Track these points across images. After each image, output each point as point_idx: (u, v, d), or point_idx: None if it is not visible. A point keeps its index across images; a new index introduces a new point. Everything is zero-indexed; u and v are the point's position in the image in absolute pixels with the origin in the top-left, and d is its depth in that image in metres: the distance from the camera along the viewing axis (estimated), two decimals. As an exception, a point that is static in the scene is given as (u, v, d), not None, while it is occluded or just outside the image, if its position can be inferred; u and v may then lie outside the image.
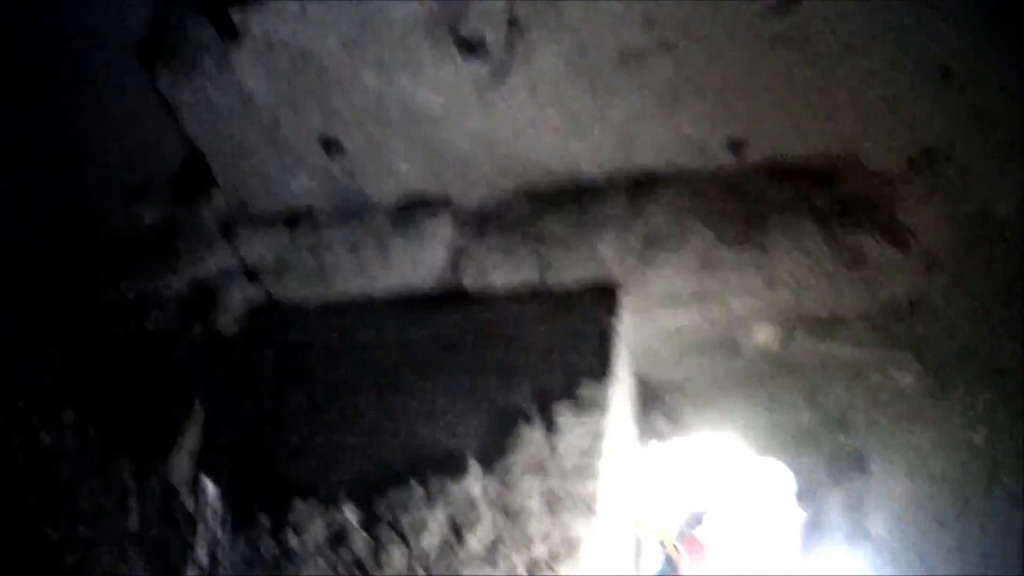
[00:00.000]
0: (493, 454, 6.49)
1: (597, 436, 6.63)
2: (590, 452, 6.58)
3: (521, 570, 6.24)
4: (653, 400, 11.54)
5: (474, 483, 6.48)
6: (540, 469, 6.52)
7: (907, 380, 8.63)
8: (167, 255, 7.19)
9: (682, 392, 11.51)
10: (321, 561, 6.33)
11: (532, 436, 6.62)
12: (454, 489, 6.39)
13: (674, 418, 12.87)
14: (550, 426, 6.63)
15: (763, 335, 8.74)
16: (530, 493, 6.46)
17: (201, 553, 6.55)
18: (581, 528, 6.34)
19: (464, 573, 6.26)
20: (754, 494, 17.04)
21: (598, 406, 6.71)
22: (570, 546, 6.28)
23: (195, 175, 7.00)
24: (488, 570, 6.27)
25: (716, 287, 7.10)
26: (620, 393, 7.48)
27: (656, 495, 12.16)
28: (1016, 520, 6.23)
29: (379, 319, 7.17)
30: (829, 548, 11.43)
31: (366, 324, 7.12)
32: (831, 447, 12.47)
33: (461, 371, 6.83)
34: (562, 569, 6.23)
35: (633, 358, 8.65)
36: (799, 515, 13.37)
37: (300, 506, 6.50)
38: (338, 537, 6.37)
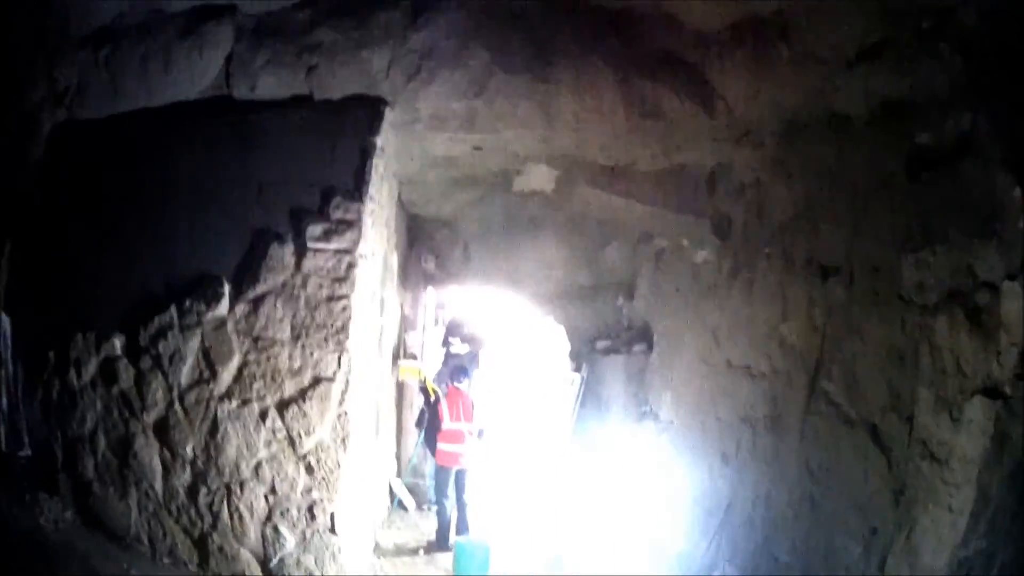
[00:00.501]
0: (245, 279, 6.14)
1: (351, 264, 6.16)
2: (343, 280, 6.14)
3: (271, 406, 6.00)
4: (424, 238, 10.67)
5: (226, 311, 6.13)
6: (291, 298, 6.14)
7: (702, 254, 8.07)
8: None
9: (453, 231, 10.61)
10: (97, 398, 6.15)
11: (283, 259, 6.16)
12: (208, 318, 6.06)
13: (445, 262, 11.96)
14: (302, 249, 6.16)
15: (539, 178, 7.82)
16: (281, 324, 6.10)
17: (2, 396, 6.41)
18: (331, 363, 6.04)
19: (216, 409, 6.05)
20: (527, 351, 15.82)
21: (352, 227, 6.18)
22: (319, 382, 6.03)
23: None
24: (235, 405, 6.04)
25: (490, 116, 6.47)
26: (379, 218, 6.98)
27: (423, 338, 11.81)
28: (836, 432, 5.38)
29: (154, 134, 6.47)
30: (607, 419, 11.08)
31: (140, 140, 6.44)
32: (613, 313, 11.33)
33: (224, 187, 6.31)
34: (313, 407, 5.96)
35: (400, 185, 8.34)
36: (574, 379, 12.94)
37: (80, 342, 6.15)
38: (110, 371, 6.10)
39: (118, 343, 6.13)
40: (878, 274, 5.02)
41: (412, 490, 10.34)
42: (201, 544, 5.91)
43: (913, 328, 4.60)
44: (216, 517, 5.89)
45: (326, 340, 5.98)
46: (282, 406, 5.93)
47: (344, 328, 5.98)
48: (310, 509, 5.87)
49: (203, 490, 5.91)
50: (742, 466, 6.45)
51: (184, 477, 5.94)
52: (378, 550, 8.02)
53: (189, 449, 5.93)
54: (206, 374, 5.99)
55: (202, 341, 6.02)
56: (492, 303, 15.39)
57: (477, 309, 12.11)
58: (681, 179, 7.73)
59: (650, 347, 9.96)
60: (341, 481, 5.90)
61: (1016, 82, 4.05)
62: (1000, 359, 3.93)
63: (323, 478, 5.90)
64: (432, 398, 8.97)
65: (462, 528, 8.54)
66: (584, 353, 13.38)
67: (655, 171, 7.65)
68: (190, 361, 6.00)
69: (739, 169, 7.00)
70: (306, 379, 5.96)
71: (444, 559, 8.01)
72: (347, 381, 5.95)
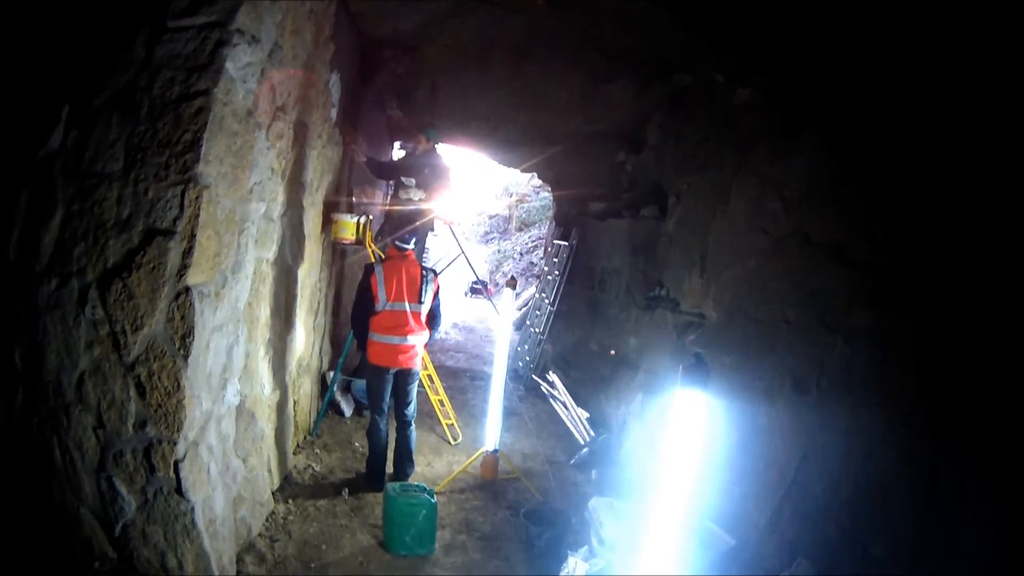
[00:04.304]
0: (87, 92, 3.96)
1: (219, 43, 3.90)
2: (204, 69, 3.88)
3: (92, 284, 3.79)
4: (382, 71, 8.13)
5: (58, 144, 3.90)
6: (131, 107, 3.86)
7: (743, 94, 5.88)
8: None
9: (418, 62, 8.40)
10: None
11: (133, 51, 3.90)
12: (40, 155, 3.98)
13: (408, 103, 9.39)
14: (157, 32, 3.91)
15: None
16: (113, 150, 3.83)
17: None
18: (170, 205, 3.77)
19: (36, 295, 3.86)
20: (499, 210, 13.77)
21: None
22: (151, 237, 3.78)
23: None
24: (54, 286, 3.83)
25: None
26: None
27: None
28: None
29: None
30: (601, 302, 8.99)
31: None
32: (611, 169, 9.65)
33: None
34: (141, 282, 3.73)
35: None
36: (560, 248, 10.98)
37: None
38: None
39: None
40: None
41: (349, 388, 8.06)
42: (44, 496, 3.96)
43: None
44: (49, 457, 3.91)
45: (167, 167, 3.77)
46: (104, 282, 3.76)
47: (195, 144, 3.77)
48: (147, 454, 3.79)
49: (35, 418, 3.92)
50: (824, 400, 4.12)
51: (18, 398, 3.94)
52: (288, 488, 5.72)
53: (17, 356, 3.92)
54: (30, 243, 3.90)
55: (31, 194, 3.93)
56: (464, 151, 13.07)
57: (445, 151, 9.57)
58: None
59: (662, 211, 7.57)
60: (185, 411, 3.76)
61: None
62: None
63: (159, 404, 3.74)
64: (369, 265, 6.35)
65: (402, 461, 6.12)
66: (573, 216, 11.05)
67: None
68: (18, 227, 3.93)
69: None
70: (136, 235, 3.76)
71: (375, 504, 5.71)
72: (192, 235, 3.75)
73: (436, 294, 6.09)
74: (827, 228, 4.41)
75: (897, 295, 3.75)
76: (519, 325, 12.88)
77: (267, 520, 5.13)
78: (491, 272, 23.37)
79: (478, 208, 32.13)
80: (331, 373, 7.59)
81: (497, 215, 31.15)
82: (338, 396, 7.64)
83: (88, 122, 3.84)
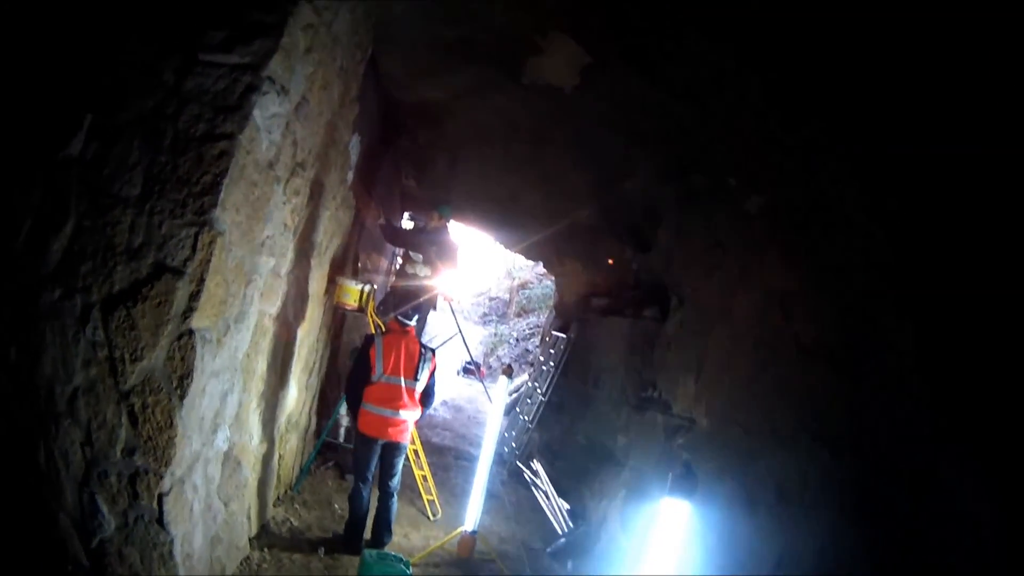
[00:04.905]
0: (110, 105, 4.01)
1: (250, 88, 3.96)
2: (233, 112, 3.92)
3: (96, 304, 3.78)
4: (403, 134, 8.35)
5: (78, 151, 3.92)
6: (155, 134, 3.89)
7: (756, 202, 5.82)
8: None
9: (439, 133, 8.52)
10: None
11: (162, 75, 3.97)
12: (59, 159, 4.01)
13: (427, 174, 9.62)
14: (189, 62, 3.98)
15: (561, 62, 6.02)
16: (133, 175, 3.85)
17: None
18: (183, 244, 3.78)
19: (39, 297, 3.83)
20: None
21: (267, 34, 4.02)
22: (160, 273, 3.78)
23: None
24: (57, 295, 3.81)
25: None
26: (322, 45, 4.81)
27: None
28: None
29: None
30: (595, 399, 8.84)
31: None
32: (618, 266, 9.30)
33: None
34: (146, 315, 3.73)
35: (377, 44, 6.29)
36: (558, 341, 10.88)
37: None
38: None
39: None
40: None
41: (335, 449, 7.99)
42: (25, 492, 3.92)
43: None
44: (34, 457, 3.88)
45: (183, 205, 3.78)
46: (108, 306, 3.75)
47: (214, 188, 3.79)
48: (132, 480, 3.77)
49: (22, 414, 3.90)
50: (809, 510, 4.11)
51: (11, 387, 3.89)
52: (265, 537, 5.64)
53: (12, 351, 3.87)
54: (38, 244, 3.89)
55: (44, 194, 3.93)
56: (473, 230, 13.22)
57: (454, 230, 9.68)
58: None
59: (663, 313, 7.62)
60: (175, 448, 3.76)
61: None
62: None
63: (149, 437, 3.73)
64: (369, 334, 6.38)
65: (381, 529, 6.05)
66: (574, 308, 11.11)
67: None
68: (28, 223, 3.91)
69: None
70: (145, 266, 3.76)
71: (350, 565, 5.61)
72: (201, 279, 3.75)
73: (432, 373, 6.14)
74: (822, 336, 4.46)
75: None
76: (508, 410, 12.81)
77: (241, 564, 5.08)
78: (485, 354, 23.31)
79: (479, 289, 32.27)
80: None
81: (497, 298, 31.24)
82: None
83: (111, 138, 3.87)
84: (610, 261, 10.23)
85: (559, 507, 7.98)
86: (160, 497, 3.72)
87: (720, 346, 5.77)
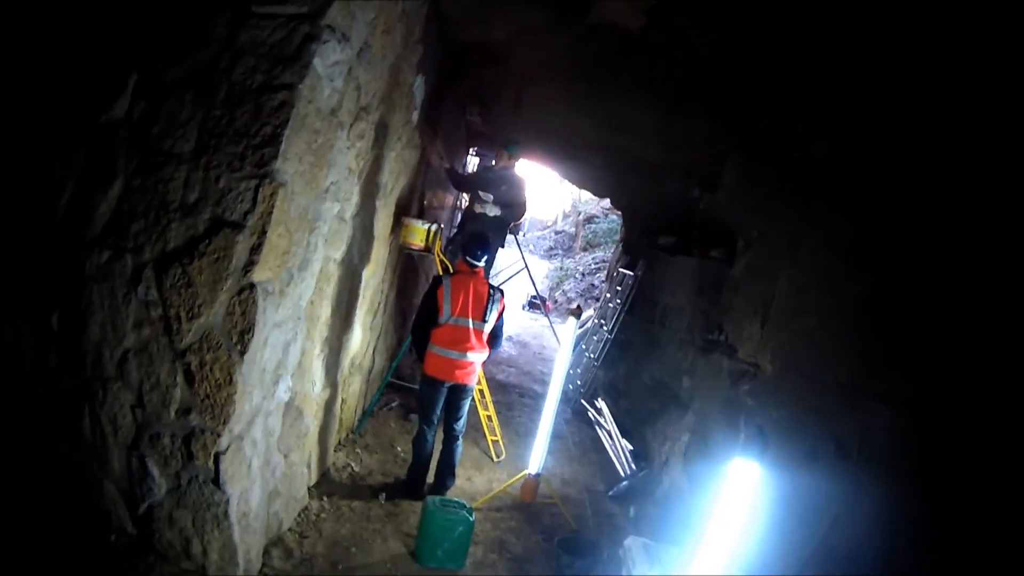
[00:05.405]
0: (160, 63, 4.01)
1: (309, 38, 3.85)
2: (291, 62, 3.84)
3: (149, 263, 3.80)
4: (467, 75, 8.11)
5: (123, 113, 3.94)
6: (209, 88, 3.85)
7: (821, 148, 5.53)
8: None
9: (504, 70, 8.20)
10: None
11: (213, 29, 3.91)
12: (102, 121, 4.00)
13: (492, 111, 9.30)
14: (242, 15, 3.90)
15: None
16: (186, 130, 3.83)
17: None
18: (243, 198, 3.74)
19: (85, 262, 3.89)
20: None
21: None
22: (219, 227, 3.75)
23: None
24: (105, 258, 3.86)
25: None
26: None
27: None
28: None
29: None
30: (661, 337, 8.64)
31: None
32: (684, 204, 9.06)
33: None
34: (204, 271, 3.73)
35: None
36: (625, 277, 10.68)
37: None
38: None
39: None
40: None
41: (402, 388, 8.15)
42: (61, 459, 4.01)
43: None
44: (78, 424, 3.94)
45: (242, 158, 3.73)
46: (162, 264, 3.74)
47: (275, 139, 3.72)
48: (187, 441, 3.76)
49: (66, 383, 3.96)
50: (863, 467, 4.03)
51: (51, 359, 3.95)
52: (325, 484, 5.76)
53: (55, 319, 3.92)
54: (82, 208, 3.89)
55: (87, 157, 3.93)
56: (540, 166, 13.08)
57: (524, 168, 9.61)
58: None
59: (730, 255, 7.46)
60: (235, 405, 3.72)
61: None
62: None
63: (206, 395, 3.72)
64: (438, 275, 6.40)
65: (444, 473, 6.14)
66: (642, 247, 10.98)
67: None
68: (71, 186, 3.93)
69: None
70: (201, 222, 3.74)
71: (411, 512, 5.69)
72: (263, 231, 3.70)
73: (501, 314, 6.10)
74: (888, 295, 4.31)
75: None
76: (574, 347, 12.82)
77: (299, 515, 5.14)
78: (551, 288, 23.35)
79: (545, 222, 32.15)
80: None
81: (563, 231, 31.17)
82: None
83: (160, 96, 3.84)
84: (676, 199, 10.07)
85: (622, 448, 8.01)
86: (217, 456, 3.73)
87: (786, 292, 5.64)
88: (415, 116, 6.80)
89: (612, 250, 19.09)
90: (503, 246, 8.81)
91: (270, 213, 3.70)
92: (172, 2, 3.95)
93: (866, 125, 4.82)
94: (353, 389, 6.68)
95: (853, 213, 4.84)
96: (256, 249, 3.69)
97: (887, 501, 3.73)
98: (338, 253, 5.17)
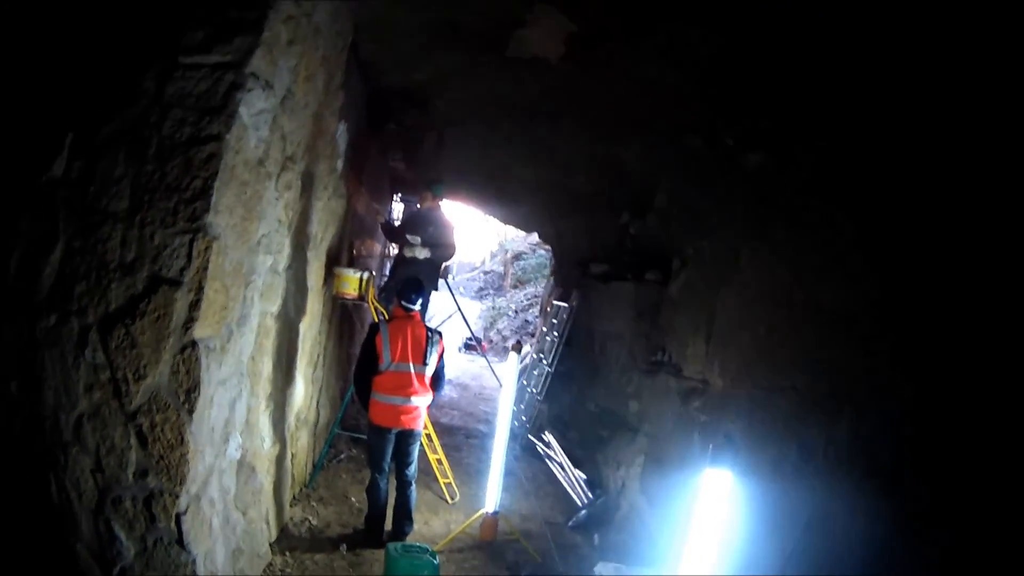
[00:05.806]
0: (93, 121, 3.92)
1: (234, 87, 3.82)
2: (217, 112, 3.79)
3: (93, 325, 3.69)
4: (388, 119, 8.18)
5: (61, 172, 3.84)
6: (140, 143, 3.76)
7: (754, 159, 5.71)
8: None
9: (425, 113, 8.38)
10: None
11: (142, 84, 3.83)
12: (42, 181, 3.94)
13: (415, 155, 9.51)
14: (169, 67, 3.85)
15: (545, 35, 5.88)
16: (120, 188, 3.74)
17: None
18: (177, 254, 3.67)
19: (35, 327, 3.75)
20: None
21: (248, 31, 3.88)
22: (157, 285, 3.68)
23: None
24: (53, 321, 3.73)
25: None
26: (303, 34, 4.62)
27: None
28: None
29: None
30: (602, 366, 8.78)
31: None
32: (615, 232, 9.19)
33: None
34: (145, 330, 3.65)
35: (357, 33, 6.13)
36: (559, 310, 10.86)
37: None
38: None
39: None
40: None
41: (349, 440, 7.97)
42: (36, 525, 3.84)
43: None
44: (45, 492, 3.79)
45: (175, 213, 3.68)
46: (106, 326, 3.65)
47: (205, 192, 3.68)
48: (147, 503, 3.68)
49: (32, 448, 3.82)
50: (831, 469, 4.06)
51: (16, 426, 3.81)
52: (285, 540, 5.59)
53: (14, 386, 3.79)
54: (30, 271, 3.81)
55: (31, 219, 3.84)
56: (464, 206, 13.11)
57: (449, 210, 9.61)
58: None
59: (665, 276, 7.55)
60: (188, 465, 3.67)
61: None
62: None
63: (160, 456, 3.64)
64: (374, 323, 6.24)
65: (402, 520, 6.02)
66: (574, 278, 11.02)
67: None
68: (19, 250, 3.82)
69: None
70: (140, 280, 3.66)
71: (374, 560, 5.56)
72: (200, 287, 3.65)
73: (441, 355, 6.06)
74: (839, 297, 4.38)
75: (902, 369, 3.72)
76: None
77: (264, 571, 5.03)
78: (485, 328, 23.29)
79: (472, 263, 32.19)
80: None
81: (492, 271, 31.21)
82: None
83: (94, 154, 3.76)
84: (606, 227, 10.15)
85: (576, 478, 7.96)
86: (178, 517, 3.65)
87: (729, 306, 5.70)
88: (340, 164, 6.75)
89: (543, 284, 19.17)
90: (436, 288, 8.74)
91: (206, 268, 3.64)
92: (105, 58, 3.88)
93: (809, 130, 4.92)
94: (301, 443, 6.53)
95: (799, 220, 4.92)
96: (195, 305, 3.61)
97: (859, 501, 3.75)
98: (274, 307, 5.07)
